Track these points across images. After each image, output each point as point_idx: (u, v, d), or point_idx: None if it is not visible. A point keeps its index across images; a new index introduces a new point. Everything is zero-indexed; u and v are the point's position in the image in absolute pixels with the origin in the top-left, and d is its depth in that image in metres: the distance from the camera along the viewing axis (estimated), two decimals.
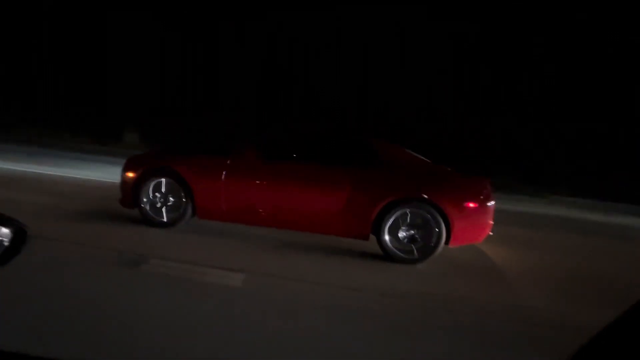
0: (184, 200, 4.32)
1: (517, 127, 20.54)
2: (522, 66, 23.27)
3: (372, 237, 4.14)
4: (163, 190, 4.38)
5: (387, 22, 26.18)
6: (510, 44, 23.34)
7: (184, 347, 2.07)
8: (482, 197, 4.06)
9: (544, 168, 17.11)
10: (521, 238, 6.14)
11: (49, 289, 2.56)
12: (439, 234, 3.92)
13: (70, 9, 27.19)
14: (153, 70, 28.57)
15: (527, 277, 4.17)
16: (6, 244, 0.80)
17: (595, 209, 12.01)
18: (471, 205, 3.99)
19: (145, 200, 4.37)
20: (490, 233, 4.22)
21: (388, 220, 3.97)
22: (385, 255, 4.02)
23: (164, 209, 4.39)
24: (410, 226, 4.01)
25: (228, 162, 4.35)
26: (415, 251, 4.00)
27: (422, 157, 4.49)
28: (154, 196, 4.38)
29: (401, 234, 4.03)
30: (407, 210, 3.97)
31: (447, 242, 3.98)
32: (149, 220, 4.38)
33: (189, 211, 4.33)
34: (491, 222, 4.16)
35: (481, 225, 4.10)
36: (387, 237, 3.99)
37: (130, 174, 4.43)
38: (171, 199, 4.40)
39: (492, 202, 4.14)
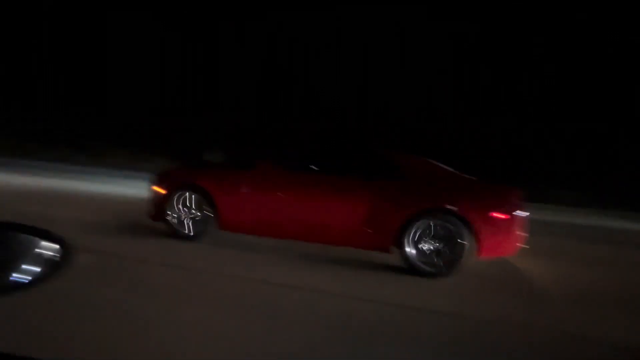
0: (208, 213, 4.40)
1: (517, 127, 20.55)
2: (522, 66, 23.29)
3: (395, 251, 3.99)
4: (188, 204, 4.49)
5: (387, 22, 26.19)
6: (510, 44, 23.35)
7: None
8: (510, 207, 3.89)
9: (545, 171, 17.10)
10: (551, 249, 5.75)
11: (92, 301, 2.62)
12: (465, 247, 3.76)
13: (70, 8, 27.20)
14: (153, 70, 28.60)
15: (565, 294, 3.79)
16: (56, 259, 0.84)
17: (613, 216, 11.79)
18: (498, 215, 3.82)
19: (171, 213, 4.48)
20: (523, 245, 4.00)
21: (410, 232, 3.86)
22: (408, 269, 3.88)
23: (189, 222, 4.50)
24: (434, 238, 3.87)
25: (249, 175, 4.38)
26: (440, 264, 3.83)
27: (447, 168, 4.38)
28: (180, 210, 4.51)
29: (425, 247, 3.88)
30: (431, 222, 3.85)
31: (474, 255, 3.82)
32: (175, 233, 4.48)
33: (213, 224, 4.42)
34: (522, 234, 3.94)
35: (511, 237, 3.89)
36: (410, 250, 3.87)
37: (159, 189, 4.57)
38: (196, 212, 4.48)
39: (523, 213, 3.93)
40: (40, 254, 0.83)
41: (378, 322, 2.71)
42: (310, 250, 4.45)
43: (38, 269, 0.82)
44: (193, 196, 4.46)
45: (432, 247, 3.88)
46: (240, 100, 27.23)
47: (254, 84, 27.93)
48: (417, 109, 23.85)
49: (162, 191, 4.52)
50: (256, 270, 3.67)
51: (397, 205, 3.98)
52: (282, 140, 22.40)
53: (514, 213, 3.88)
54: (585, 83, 21.14)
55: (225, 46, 29.17)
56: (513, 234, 3.89)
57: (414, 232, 3.88)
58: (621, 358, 2.48)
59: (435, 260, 3.85)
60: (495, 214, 3.83)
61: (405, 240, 3.87)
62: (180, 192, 4.47)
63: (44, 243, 0.85)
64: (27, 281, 0.80)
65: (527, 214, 3.98)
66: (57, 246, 0.85)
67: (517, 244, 3.94)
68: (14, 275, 0.80)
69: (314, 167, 4.43)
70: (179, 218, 4.50)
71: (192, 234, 4.47)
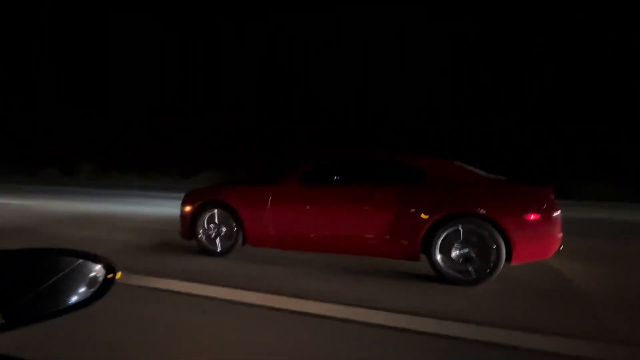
0: (234, 229, 4.49)
1: (517, 127, 20.56)
2: (522, 66, 23.31)
3: (424, 258, 3.86)
4: (216, 221, 4.60)
5: (387, 22, 26.21)
6: (510, 44, 23.37)
7: None
8: (544, 207, 3.66)
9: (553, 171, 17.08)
10: (591, 249, 5.48)
11: (144, 320, 2.71)
12: (498, 251, 3.57)
13: (70, 8, 27.20)
14: (153, 70, 28.62)
15: (614, 300, 3.44)
16: (100, 279, 0.94)
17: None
18: (532, 217, 3.62)
19: (201, 231, 4.62)
20: (561, 247, 3.79)
21: (438, 238, 3.74)
22: (438, 277, 3.74)
23: (217, 239, 4.58)
24: (464, 244, 3.71)
25: (272, 189, 4.43)
26: (472, 272, 3.66)
27: (473, 169, 4.23)
28: (209, 227, 4.61)
29: (454, 253, 3.72)
30: (459, 227, 3.69)
31: (508, 260, 3.61)
32: (205, 250, 4.60)
33: (240, 240, 4.53)
34: (560, 235, 3.74)
35: (547, 239, 3.69)
36: (438, 257, 3.74)
37: (188, 208, 4.71)
38: (224, 229, 4.57)
39: (558, 213, 3.73)
40: (93, 277, 0.95)
41: (410, 334, 2.66)
42: (338, 261, 4.44)
43: (91, 290, 0.93)
44: (220, 213, 4.57)
45: (462, 254, 3.72)
46: (240, 100, 27.25)
47: (254, 84, 27.94)
48: (417, 109, 23.86)
49: (191, 209, 4.66)
50: (291, 283, 3.68)
51: (422, 211, 3.84)
52: (283, 140, 22.40)
53: (548, 213, 3.68)
54: (584, 83, 21.16)
55: (225, 46, 29.19)
56: (548, 236, 3.69)
57: (442, 239, 3.73)
58: None
59: (467, 267, 3.69)
60: (528, 216, 3.64)
61: (433, 248, 3.75)
62: (207, 210, 4.60)
63: (96, 266, 0.96)
64: (82, 302, 0.91)
65: (560, 212, 3.75)
66: (105, 268, 0.96)
67: (554, 246, 3.74)
68: (72, 297, 0.91)
69: (336, 177, 4.41)
70: (208, 235, 4.62)
71: (220, 250, 4.57)
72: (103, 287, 0.92)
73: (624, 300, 3.43)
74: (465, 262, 3.71)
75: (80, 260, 0.95)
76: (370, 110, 25.42)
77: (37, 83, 27.03)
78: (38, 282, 0.88)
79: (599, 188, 14.65)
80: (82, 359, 2.20)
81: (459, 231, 3.72)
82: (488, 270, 3.61)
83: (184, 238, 4.73)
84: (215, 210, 4.57)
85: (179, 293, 3.30)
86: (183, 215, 4.71)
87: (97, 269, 0.95)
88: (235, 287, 3.45)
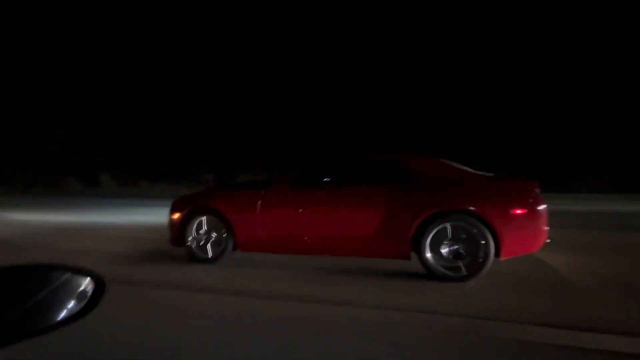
0: (224, 235, 4.45)
1: (517, 127, 20.56)
2: (522, 66, 23.30)
3: (415, 257, 3.84)
4: (206, 227, 4.56)
5: (387, 22, 26.21)
6: (510, 44, 23.36)
7: None
8: (530, 201, 3.74)
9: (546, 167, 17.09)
10: (578, 241, 5.57)
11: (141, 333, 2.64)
12: (486, 247, 3.63)
13: (70, 8, 27.22)
14: (153, 70, 28.62)
15: (604, 288, 3.53)
16: (89, 293, 0.92)
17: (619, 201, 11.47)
18: (518, 211, 3.69)
19: (190, 238, 4.56)
20: (547, 240, 3.86)
21: (427, 236, 3.78)
22: (429, 274, 3.79)
23: (208, 246, 4.54)
24: (453, 241, 3.76)
25: (262, 193, 4.41)
26: (461, 267, 3.71)
27: (461, 167, 4.26)
28: (198, 234, 4.56)
29: (444, 250, 3.77)
30: (447, 225, 3.75)
31: (497, 255, 3.66)
32: (195, 257, 4.54)
33: (230, 245, 4.43)
34: (546, 228, 3.81)
35: (534, 233, 3.76)
36: (429, 255, 3.78)
37: (176, 215, 4.65)
38: (213, 235, 4.54)
39: (544, 206, 3.80)
40: (82, 291, 0.93)
41: (402, 330, 2.67)
42: (329, 263, 4.44)
43: (80, 305, 0.90)
44: (209, 219, 4.54)
45: (452, 250, 3.77)
46: (240, 100, 27.26)
47: (254, 84, 27.95)
48: (417, 109, 23.87)
49: (180, 216, 4.60)
50: (283, 286, 3.67)
51: (410, 210, 3.89)
52: (283, 140, 22.41)
53: (533, 207, 3.74)
54: (584, 83, 21.15)
55: (225, 46, 29.21)
56: (535, 229, 3.76)
57: (431, 236, 3.78)
58: None
59: (457, 263, 3.74)
60: (514, 210, 3.71)
61: (423, 245, 3.80)
62: (196, 216, 4.56)
63: (84, 279, 0.94)
64: (71, 317, 0.88)
65: (545, 206, 3.82)
66: (94, 281, 0.94)
67: (541, 239, 3.80)
68: (61, 313, 0.89)
69: (327, 179, 4.42)
70: (198, 242, 4.58)
71: (211, 256, 4.52)
72: (92, 301, 0.90)
73: (613, 291, 3.48)
74: (455, 259, 3.75)
75: (68, 274, 0.94)
76: (370, 110, 25.45)
77: (37, 83, 27.06)
78: (24, 299, 0.86)
79: (597, 184, 14.74)
80: None
81: (448, 228, 3.77)
82: (478, 266, 3.65)
83: (173, 245, 4.68)
84: (204, 217, 4.53)
85: (170, 301, 3.28)
86: (172, 222, 4.66)
87: (86, 283, 0.93)
88: (227, 293, 3.44)
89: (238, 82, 27.44)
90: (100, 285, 0.93)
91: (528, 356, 2.28)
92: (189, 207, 4.60)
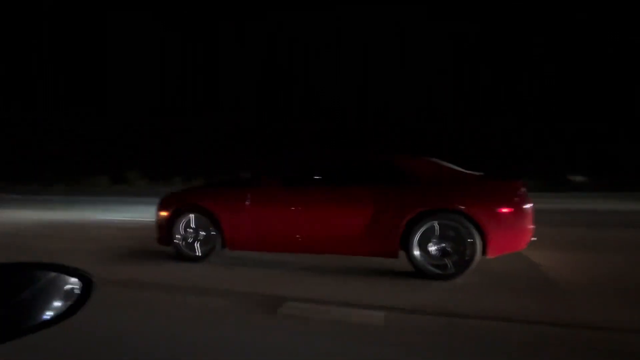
0: (212, 233, 4.39)
1: (517, 127, 20.57)
2: (522, 66, 23.31)
3: (403, 255, 3.87)
4: (193, 225, 4.49)
5: (387, 22, 26.21)
6: (510, 44, 23.37)
7: None
8: (516, 200, 3.80)
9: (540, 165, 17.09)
10: (564, 238, 5.61)
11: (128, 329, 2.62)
12: (473, 245, 3.66)
13: (70, 8, 27.23)
14: (153, 70, 28.66)
15: (587, 285, 3.55)
16: (76, 292, 0.89)
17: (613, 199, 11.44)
18: (505, 210, 3.75)
19: (178, 237, 4.48)
20: (533, 238, 3.90)
21: (415, 235, 3.80)
22: (417, 272, 3.81)
23: (196, 244, 4.50)
24: (441, 239, 3.80)
25: (249, 191, 4.37)
26: (449, 265, 3.74)
27: (451, 166, 4.29)
28: (186, 232, 4.49)
29: (432, 248, 3.80)
30: (435, 223, 3.79)
31: (484, 253, 3.70)
32: (183, 256, 4.47)
33: (219, 244, 4.40)
34: (532, 227, 3.86)
35: (520, 231, 3.82)
36: (416, 253, 3.80)
37: (163, 213, 4.57)
38: (202, 233, 4.46)
39: (529, 205, 3.86)
40: (69, 290, 0.90)
41: (389, 330, 2.67)
42: (314, 261, 4.42)
43: (67, 304, 0.88)
44: (197, 217, 4.47)
45: (439, 249, 3.80)
46: (240, 100, 27.27)
47: (254, 84, 27.97)
48: (417, 109, 23.87)
49: (167, 215, 4.53)
50: (276, 287, 3.66)
51: (398, 209, 3.92)
52: (283, 140, 22.41)
53: (520, 206, 3.80)
54: (584, 83, 21.16)
55: (225, 46, 29.23)
56: (521, 228, 3.82)
57: (418, 235, 3.81)
58: None
59: (445, 261, 3.76)
60: (500, 209, 3.77)
61: (411, 244, 3.82)
62: (183, 215, 4.49)
63: (71, 278, 0.91)
64: (59, 316, 0.86)
65: (531, 205, 3.87)
66: (81, 280, 0.91)
67: (527, 237, 3.84)
68: (47, 312, 0.86)
69: (317, 177, 4.41)
70: (185, 240, 4.50)
71: (199, 255, 4.46)
72: (79, 301, 0.88)
73: (599, 288, 3.49)
74: (442, 256, 3.77)
75: (54, 274, 0.91)
76: (370, 110, 25.45)
77: (37, 83, 27.09)
78: (9, 298, 0.83)
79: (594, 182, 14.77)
80: None
81: (436, 227, 3.79)
82: (465, 264, 3.68)
83: (161, 244, 4.60)
84: (192, 215, 4.46)
85: (154, 301, 3.25)
86: (159, 221, 4.59)
87: (73, 282, 0.91)
88: (215, 292, 3.42)
89: (238, 82, 27.46)
90: (87, 284, 0.90)
91: (516, 354, 2.28)
92: (177, 205, 4.53)
